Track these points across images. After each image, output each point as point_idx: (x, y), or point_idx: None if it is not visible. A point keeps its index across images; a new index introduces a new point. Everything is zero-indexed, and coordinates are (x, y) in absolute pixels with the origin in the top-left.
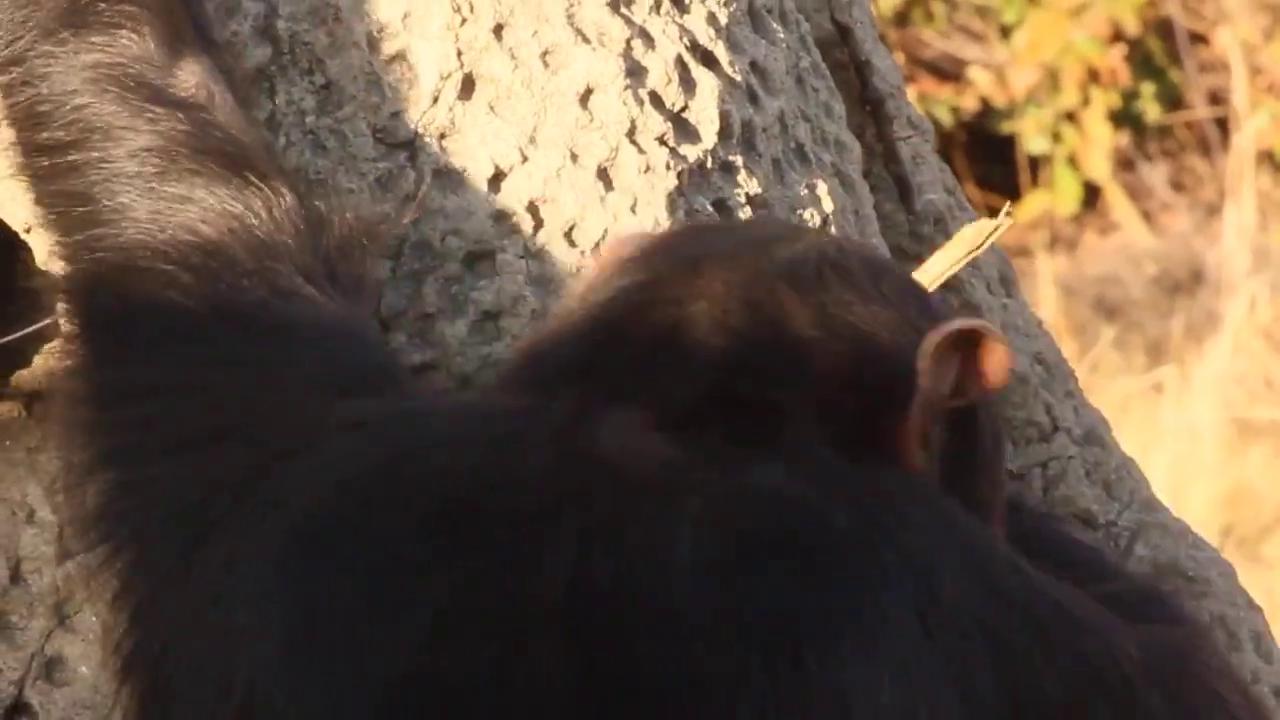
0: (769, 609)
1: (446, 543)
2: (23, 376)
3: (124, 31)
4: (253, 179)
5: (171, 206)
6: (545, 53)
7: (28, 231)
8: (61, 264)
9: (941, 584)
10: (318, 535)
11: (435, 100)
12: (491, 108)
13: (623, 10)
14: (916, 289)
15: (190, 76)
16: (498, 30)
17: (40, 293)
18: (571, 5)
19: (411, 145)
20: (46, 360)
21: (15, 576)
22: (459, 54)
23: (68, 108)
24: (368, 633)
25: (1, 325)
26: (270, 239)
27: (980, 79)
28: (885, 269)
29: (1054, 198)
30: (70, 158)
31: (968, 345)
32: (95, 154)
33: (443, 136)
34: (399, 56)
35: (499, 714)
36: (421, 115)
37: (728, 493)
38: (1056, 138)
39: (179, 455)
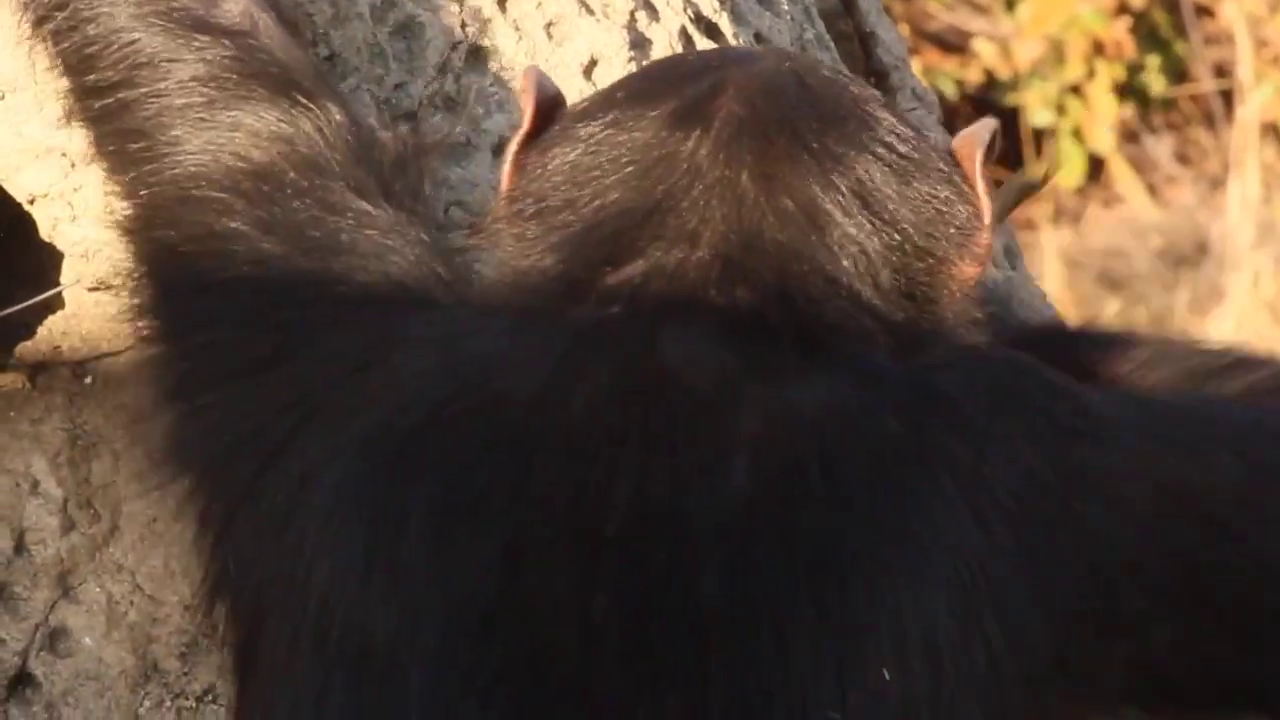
0: (818, 534)
1: (516, 467)
2: (26, 348)
3: None
4: (301, 99)
5: (221, 135)
6: (549, 24)
7: (31, 203)
8: (120, 203)
9: (996, 474)
10: (388, 456)
11: (440, 71)
12: (496, 79)
13: None
14: (901, 119)
15: (234, 5)
16: (501, 2)
17: (44, 265)
18: None
19: (415, 116)
20: (50, 332)
21: (19, 548)
22: (463, 25)
23: (114, 46)
24: (440, 555)
25: (5, 298)
26: (321, 157)
27: (985, 51)
28: (864, 103)
29: (1060, 172)
30: (121, 96)
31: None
32: (144, 90)
33: (447, 108)
34: (403, 28)
35: (568, 637)
36: (426, 87)
37: (781, 411)
38: (1061, 110)
39: (246, 379)
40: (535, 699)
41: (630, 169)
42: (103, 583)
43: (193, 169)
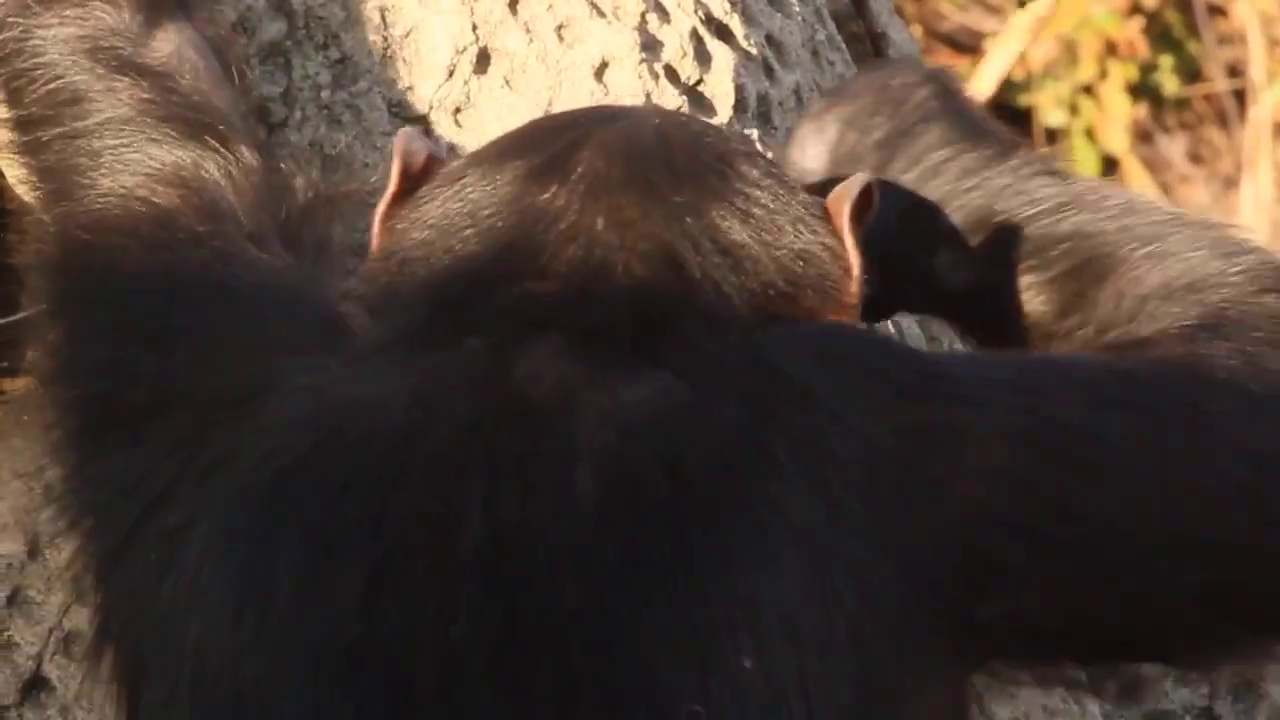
0: (666, 534)
1: (375, 503)
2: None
3: (99, 3)
4: (212, 142)
5: (129, 178)
6: (560, 26)
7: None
8: (38, 240)
9: (838, 446)
10: (256, 505)
11: (450, 74)
12: (506, 82)
13: None
14: (769, 174)
15: (165, 45)
16: (512, 4)
17: None
18: None
19: (426, 119)
20: None
21: (33, 552)
22: (474, 28)
23: (40, 82)
24: (305, 597)
25: (18, 301)
26: (224, 203)
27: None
28: (731, 154)
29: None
30: (42, 133)
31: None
32: (63, 129)
33: (458, 110)
34: (414, 31)
35: (436, 668)
36: (436, 89)
37: (614, 414)
38: (1074, 110)
39: (131, 428)
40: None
41: (489, 220)
42: None
43: (98, 212)
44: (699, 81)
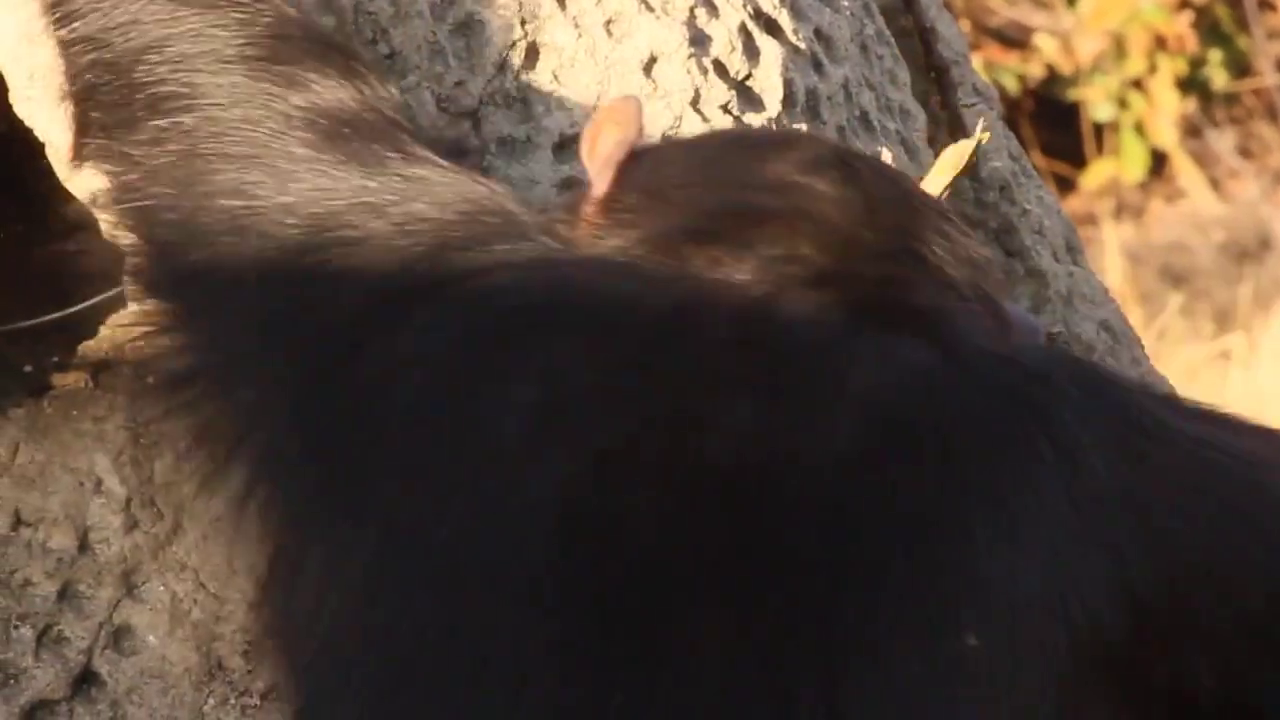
0: (919, 494)
1: (615, 385)
2: (89, 347)
3: None
4: (361, 70)
5: (285, 82)
6: (609, 21)
7: (95, 204)
8: (146, 152)
9: (1092, 465)
10: (483, 360)
11: (499, 69)
12: (555, 76)
13: None
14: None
15: None
16: None
17: (106, 264)
18: None
19: (475, 114)
20: (113, 331)
21: (83, 546)
22: (523, 22)
23: (153, 13)
24: (534, 454)
25: (68, 297)
26: (392, 119)
27: (1046, 46)
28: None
29: (1120, 165)
30: (155, 56)
31: None
32: (185, 47)
33: (507, 105)
34: (462, 26)
35: (648, 558)
36: (485, 84)
37: (891, 378)
38: (1123, 105)
39: (324, 277)
40: (613, 610)
41: (736, 180)
42: (166, 581)
43: (256, 109)
44: (748, 76)
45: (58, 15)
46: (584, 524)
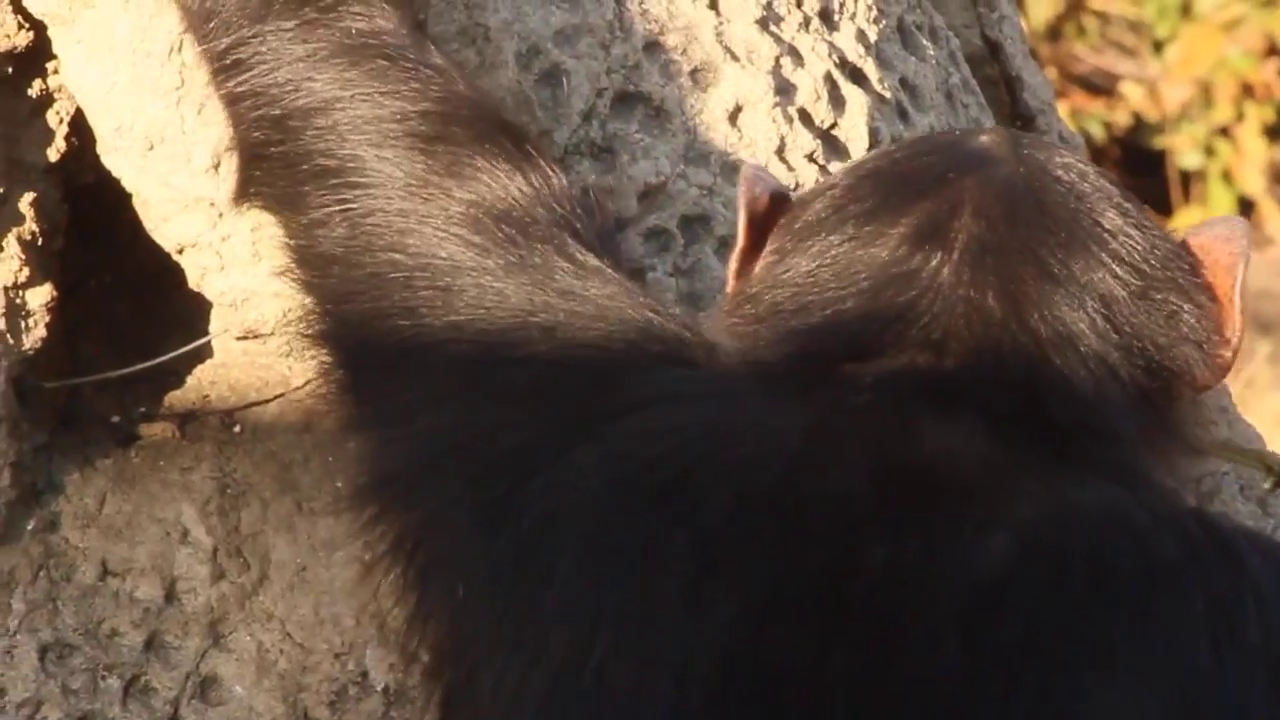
0: (1067, 624)
1: (769, 526)
2: (176, 397)
3: (376, 6)
4: (531, 152)
5: (450, 169)
6: (695, 70)
7: (179, 253)
8: (309, 230)
9: (1247, 626)
10: (644, 505)
11: (586, 118)
12: (641, 125)
13: (772, 28)
14: (1127, 208)
15: (441, 57)
16: (648, 48)
17: (192, 314)
18: (720, 23)
19: (562, 163)
20: (199, 381)
21: (170, 596)
22: (609, 72)
23: (323, 70)
24: (689, 607)
25: (154, 347)
26: (553, 211)
27: (1133, 94)
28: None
29: (1207, 213)
30: (322, 120)
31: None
32: (348, 116)
33: (593, 155)
34: (548, 75)
35: (808, 692)
36: (572, 133)
37: (1054, 507)
38: (1210, 153)
39: (486, 408)
40: None
41: (867, 283)
42: (253, 631)
43: (417, 200)
44: (833, 125)
45: (226, 64)
46: (740, 665)
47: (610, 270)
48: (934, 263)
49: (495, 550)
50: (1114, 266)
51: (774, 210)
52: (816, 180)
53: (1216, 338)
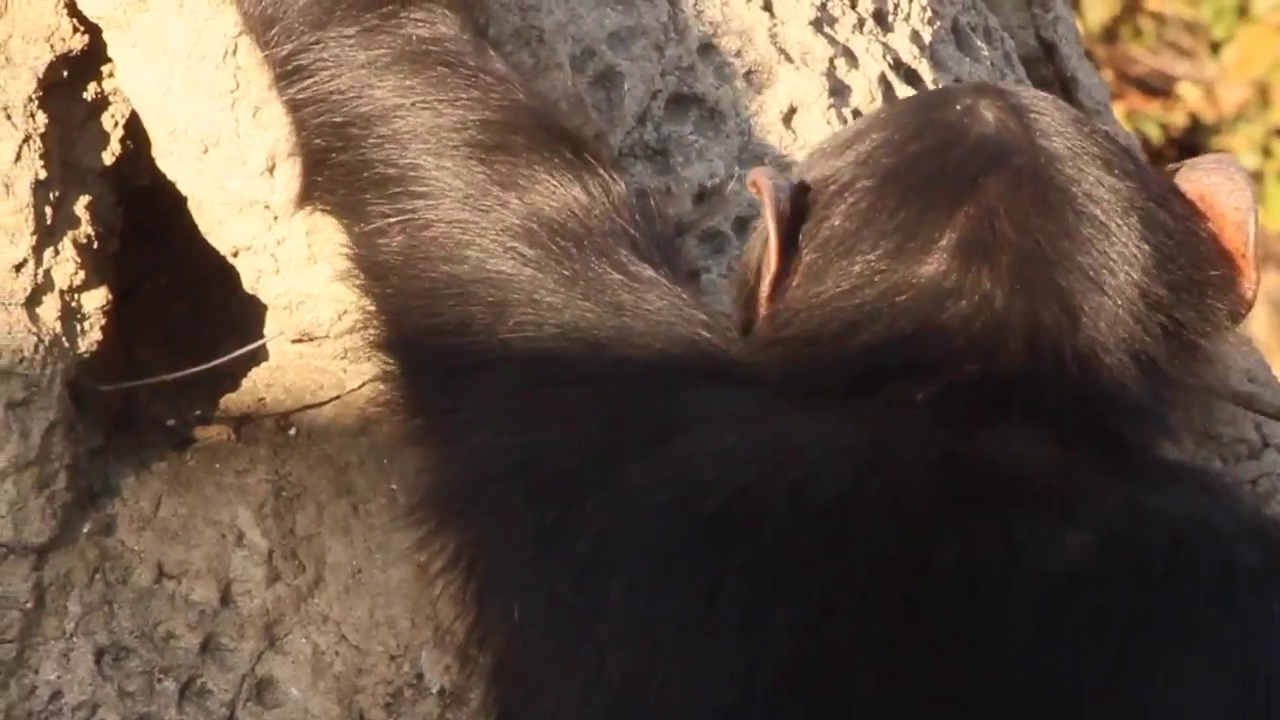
0: (1137, 619)
1: (830, 538)
2: (231, 400)
3: (438, 12)
4: (590, 160)
5: (508, 180)
6: (749, 72)
7: (234, 256)
8: (369, 239)
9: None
10: (698, 530)
11: (640, 120)
12: (696, 127)
13: (826, 30)
14: (1150, 191)
15: (501, 62)
16: (703, 50)
17: (248, 317)
18: (775, 25)
19: (618, 167)
20: (254, 384)
21: (225, 599)
22: (663, 74)
23: (384, 78)
24: (750, 621)
25: (210, 350)
26: (612, 222)
27: (1189, 95)
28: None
29: (1265, 213)
30: (383, 128)
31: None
32: (409, 125)
33: (647, 157)
34: (602, 77)
35: (873, 687)
36: (626, 135)
37: (1133, 509)
38: (1267, 153)
39: (540, 426)
40: None
41: (914, 301)
42: (308, 633)
43: (475, 211)
44: None
45: (288, 70)
46: (803, 672)
47: (665, 281)
48: (978, 277)
49: (551, 571)
50: (1141, 245)
51: (796, 211)
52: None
53: (1234, 294)
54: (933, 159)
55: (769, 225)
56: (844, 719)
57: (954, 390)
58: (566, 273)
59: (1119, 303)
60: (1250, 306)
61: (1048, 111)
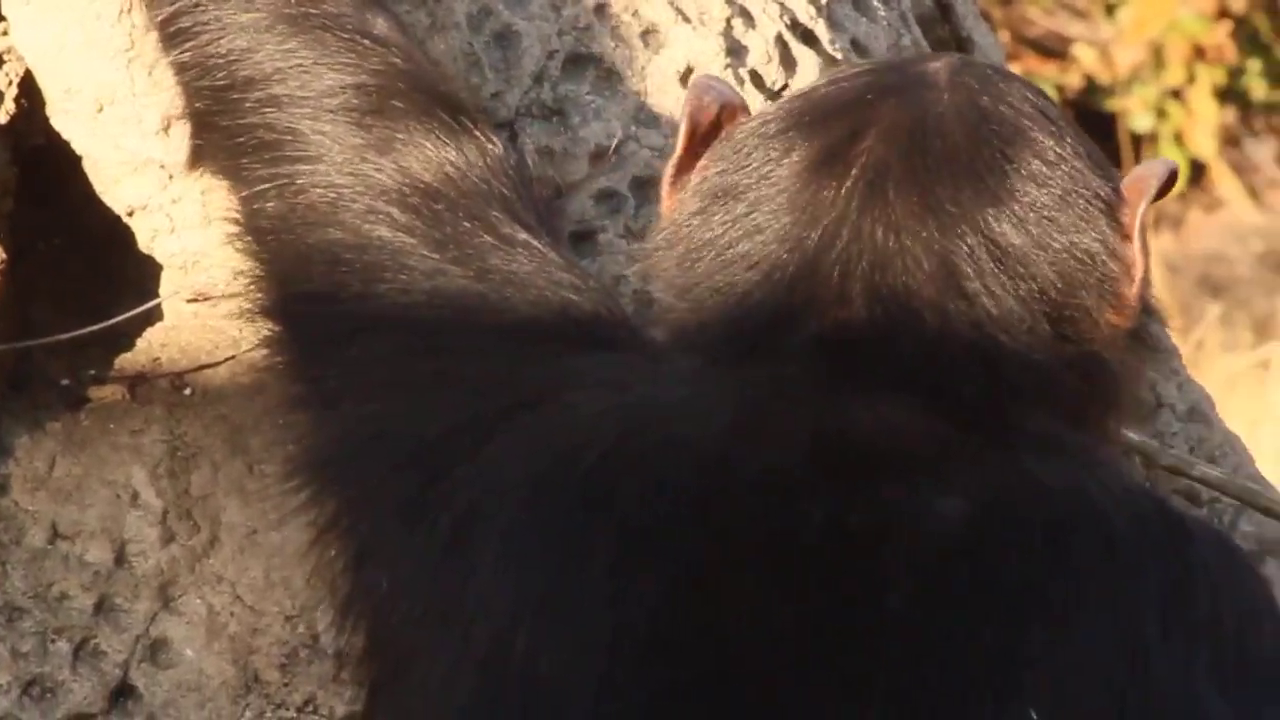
0: (1020, 590)
1: (691, 505)
2: (126, 360)
3: None
4: (467, 123)
5: (383, 144)
6: (646, 32)
7: (129, 215)
8: (245, 205)
9: (1195, 607)
10: (566, 496)
11: (537, 80)
12: (593, 87)
13: None
14: (1060, 145)
15: (384, 22)
16: (599, 10)
17: (143, 276)
18: None
19: (512, 125)
20: (149, 344)
21: (120, 559)
22: (560, 34)
23: (248, 47)
24: (619, 586)
25: (104, 310)
26: (488, 185)
27: (1085, 56)
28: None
29: None
30: (258, 94)
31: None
32: (288, 89)
33: (544, 116)
34: (499, 37)
35: (748, 650)
36: (523, 95)
37: (1009, 477)
38: (1162, 115)
39: (407, 395)
40: (705, 712)
41: (780, 221)
42: (203, 594)
43: (349, 176)
44: (784, 86)
45: (170, 33)
46: (673, 636)
47: (539, 245)
48: (829, 193)
49: (418, 543)
50: (1014, 204)
51: (722, 120)
52: None
53: (1123, 277)
54: (853, 84)
55: (684, 109)
56: (714, 686)
57: (825, 353)
58: (438, 236)
59: (1005, 279)
60: (1137, 291)
61: (1004, 79)
